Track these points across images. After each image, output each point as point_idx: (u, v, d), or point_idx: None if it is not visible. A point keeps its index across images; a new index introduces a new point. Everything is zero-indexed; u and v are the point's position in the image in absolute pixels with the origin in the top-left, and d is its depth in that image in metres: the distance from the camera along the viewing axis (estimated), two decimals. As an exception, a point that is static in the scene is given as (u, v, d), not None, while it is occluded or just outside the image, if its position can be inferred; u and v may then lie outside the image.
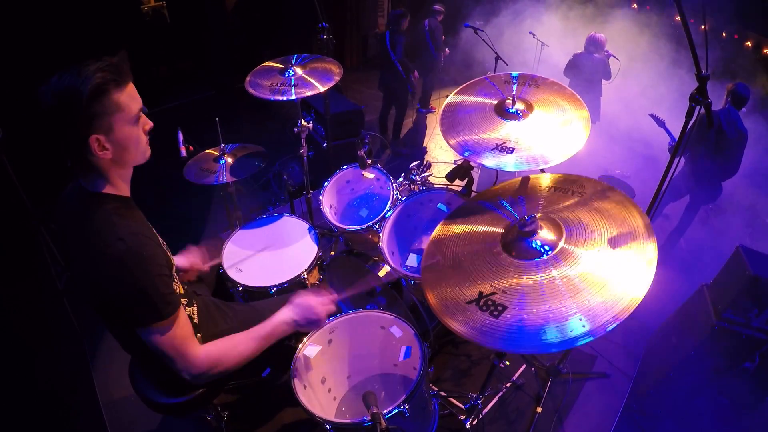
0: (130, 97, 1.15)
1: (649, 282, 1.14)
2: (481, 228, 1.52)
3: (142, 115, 1.22)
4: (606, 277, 1.19)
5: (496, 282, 1.30)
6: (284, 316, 1.47)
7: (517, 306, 1.22)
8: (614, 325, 1.09)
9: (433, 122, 5.99)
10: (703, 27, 1.54)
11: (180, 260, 1.81)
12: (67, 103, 1.06)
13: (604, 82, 4.53)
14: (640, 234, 1.26)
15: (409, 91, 4.93)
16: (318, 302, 1.52)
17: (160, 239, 1.33)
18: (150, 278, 1.15)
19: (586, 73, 4.40)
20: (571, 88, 1.80)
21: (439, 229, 1.59)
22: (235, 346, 1.36)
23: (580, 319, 1.12)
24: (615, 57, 4.50)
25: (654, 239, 1.23)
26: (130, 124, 1.17)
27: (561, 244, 1.31)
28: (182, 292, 1.41)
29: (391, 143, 5.25)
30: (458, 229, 1.56)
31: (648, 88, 5.09)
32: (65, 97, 1.06)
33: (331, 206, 2.52)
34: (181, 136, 2.54)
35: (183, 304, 1.32)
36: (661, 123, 3.52)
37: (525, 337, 1.15)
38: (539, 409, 2.22)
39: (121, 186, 1.25)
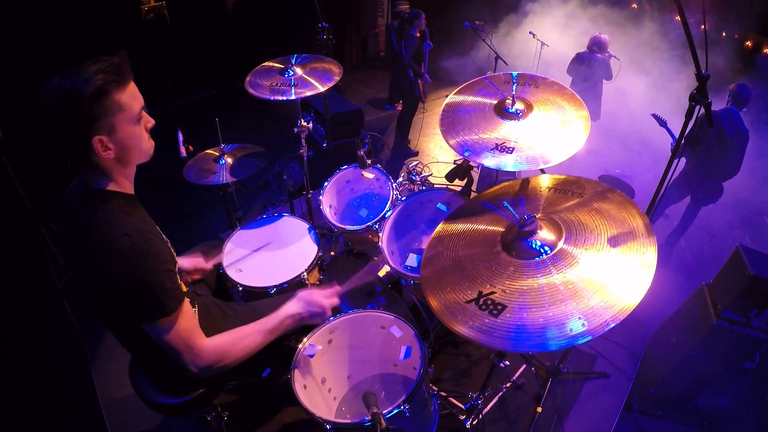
0: (131, 97, 1.15)
1: (647, 284, 1.14)
2: (482, 227, 1.52)
3: (144, 114, 1.22)
4: (605, 277, 1.19)
5: (496, 281, 1.30)
6: (289, 309, 1.49)
7: (516, 305, 1.22)
8: (612, 325, 1.09)
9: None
10: (703, 26, 1.53)
11: (182, 262, 1.82)
12: (69, 106, 1.06)
13: (605, 82, 4.56)
14: (640, 234, 1.26)
15: (415, 95, 4.89)
16: (321, 295, 1.54)
17: (163, 236, 1.33)
18: (155, 274, 1.15)
19: (588, 73, 4.46)
20: (573, 87, 1.81)
21: (439, 229, 1.59)
22: (243, 338, 1.38)
23: (579, 318, 1.12)
24: (616, 57, 4.54)
25: (654, 240, 1.23)
26: (132, 123, 1.17)
27: (560, 244, 1.31)
28: (185, 290, 1.41)
29: (399, 144, 5.20)
30: (459, 228, 1.56)
31: (648, 88, 5.09)
32: (67, 100, 1.06)
33: (330, 206, 2.52)
34: (181, 137, 2.54)
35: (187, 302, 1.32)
36: (662, 123, 3.52)
37: (524, 336, 1.15)
38: (539, 409, 2.22)
39: (125, 184, 1.25)
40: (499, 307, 1.23)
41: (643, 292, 1.12)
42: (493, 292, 1.27)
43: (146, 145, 1.25)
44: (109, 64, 1.10)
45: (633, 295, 1.13)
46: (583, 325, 1.11)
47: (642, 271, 1.17)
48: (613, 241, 1.26)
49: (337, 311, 1.74)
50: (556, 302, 1.18)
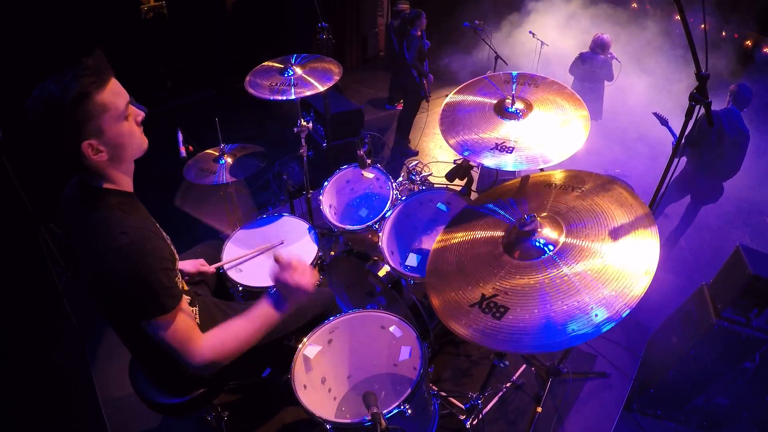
0: (113, 94, 1.12)
1: (654, 267, 1.14)
2: (483, 233, 1.52)
3: (131, 108, 1.19)
4: (609, 270, 1.19)
5: (498, 284, 1.30)
6: (268, 297, 1.36)
7: (519, 306, 1.22)
8: (626, 312, 1.09)
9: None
10: (703, 26, 1.53)
11: (185, 265, 1.81)
12: (51, 116, 1.05)
13: (606, 83, 4.57)
14: (641, 224, 1.26)
15: (421, 95, 4.89)
16: (294, 270, 1.33)
17: (163, 233, 1.32)
18: (153, 272, 1.15)
19: (591, 73, 4.50)
20: (575, 86, 1.81)
21: (441, 237, 1.59)
22: (231, 329, 1.30)
23: (585, 315, 1.12)
24: (617, 60, 4.54)
25: (655, 229, 1.23)
26: (119, 120, 1.14)
27: (562, 240, 1.31)
28: (185, 288, 1.41)
29: (400, 144, 5.19)
30: (460, 235, 1.56)
31: (649, 88, 5.09)
32: (48, 111, 1.04)
33: (330, 206, 2.52)
34: (181, 136, 2.54)
35: (186, 301, 1.31)
36: (664, 122, 3.52)
37: (527, 337, 1.15)
38: (539, 409, 2.22)
39: (123, 181, 1.24)
40: (502, 310, 1.23)
41: (651, 273, 1.13)
42: (495, 295, 1.28)
43: (139, 139, 1.23)
44: (85, 67, 1.07)
45: (636, 290, 1.13)
46: (586, 322, 1.11)
47: (646, 256, 1.18)
48: (615, 233, 1.27)
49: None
50: (559, 300, 1.18)
